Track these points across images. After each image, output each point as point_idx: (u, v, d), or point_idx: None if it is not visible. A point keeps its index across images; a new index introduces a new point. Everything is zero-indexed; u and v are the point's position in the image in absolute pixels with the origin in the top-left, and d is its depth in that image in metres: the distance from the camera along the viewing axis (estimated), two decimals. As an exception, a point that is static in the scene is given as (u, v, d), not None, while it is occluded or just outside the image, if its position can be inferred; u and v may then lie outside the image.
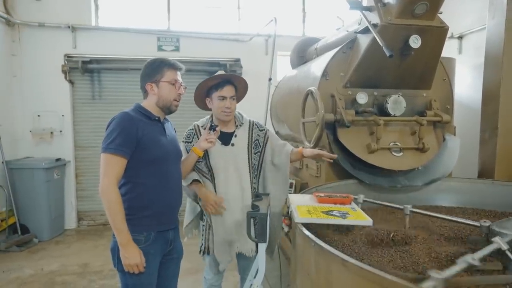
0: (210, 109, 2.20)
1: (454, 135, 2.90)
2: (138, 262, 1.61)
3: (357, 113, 2.34)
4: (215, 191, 2.11)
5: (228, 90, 2.07)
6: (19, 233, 4.39)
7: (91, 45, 4.90)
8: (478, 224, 1.40)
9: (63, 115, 4.95)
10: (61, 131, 4.93)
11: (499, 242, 1.12)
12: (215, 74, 2.14)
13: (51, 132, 4.87)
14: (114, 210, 1.58)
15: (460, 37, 4.79)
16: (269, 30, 4.96)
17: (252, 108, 4.68)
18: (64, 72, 4.86)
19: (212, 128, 2.05)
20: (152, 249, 1.72)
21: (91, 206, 5.24)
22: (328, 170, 2.49)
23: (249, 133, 2.18)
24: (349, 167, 2.36)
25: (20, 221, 4.47)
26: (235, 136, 2.15)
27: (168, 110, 1.83)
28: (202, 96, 2.17)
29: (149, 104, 1.80)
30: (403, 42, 2.17)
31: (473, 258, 1.00)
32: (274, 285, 2.96)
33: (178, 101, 1.84)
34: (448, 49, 4.85)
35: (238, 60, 5.16)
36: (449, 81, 2.58)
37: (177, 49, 5.06)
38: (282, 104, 3.71)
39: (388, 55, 1.96)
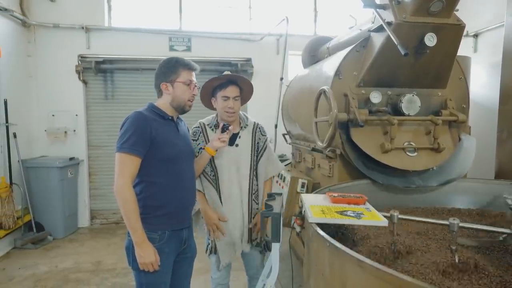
0: (215, 109, 2.23)
1: (469, 135, 2.84)
2: (153, 260, 1.63)
3: (370, 112, 2.31)
4: (219, 191, 2.16)
5: (231, 91, 2.10)
6: (34, 230, 4.48)
7: (104, 46, 4.97)
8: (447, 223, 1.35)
9: (76, 115, 5.03)
10: (74, 131, 5.01)
11: None
12: (221, 75, 2.17)
13: (65, 132, 4.95)
14: (129, 209, 1.59)
15: (476, 35, 4.70)
16: (281, 29, 4.95)
17: (264, 107, 4.70)
18: (78, 72, 4.94)
19: (225, 127, 2.05)
20: (167, 247, 1.73)
21: (104, 204, 5.32)
22: (341, 170, 2.48)
23: (252, 135, 2.22)
24: (362, 167, 2.33)
25: (35, 219, 4.57)
26: (239, 137, 2.17)
27: (182, 110, 1.85)
28: (207, 96, 2.20)
29: (163, 103, 1.82)
30: (418, 41, 2.13)
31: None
32: (286, 285, 2.95)
33: (192, 101, 1.86)
34: (463, 48, 4.75)
35: (249, 60, 5.16)
36: (465, 80, 2.53)
37: (188, 49, 5.09)
38: (293, 104, 3.69)
39: (403, 53, 1.93)
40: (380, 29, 2.23)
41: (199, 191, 2.16)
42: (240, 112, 2.26)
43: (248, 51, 5.14)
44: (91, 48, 4.96)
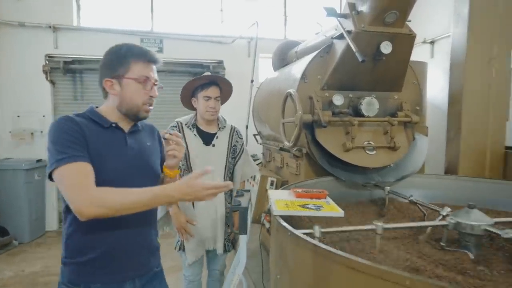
0: (195, 109, 2.30)
1: (427, 135, 3.09)
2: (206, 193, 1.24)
3: (333, 114, 2.48)
4: None
5: (213, 91, 2.19)
6: (-2, 235, 4.34)
7: (73, 46, 4.90)
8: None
9: (44, 116, 4.91)
10: (42, 132, 4.89)
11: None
12: (202, 75, 2.25)
13: (32, 133, 4.83)
14: (127, 202, 1.15)
15: (432, 42, 5.04)
16: (252, 33, 5.09)
17: (235, 109, 4.79)
18: (45, 72, 4.83)
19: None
20: None
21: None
22: (307, 168, 2.63)
23: (229, 137, 2.32)
24: (326, 165, 2.49)
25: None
26: (217, 137, 2.26)
27: (135, 116, 1.37)
28: (188, 96, 2.27)
29: (107, 107, 1.37)
30: (375, 48, 2.32)
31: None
32: (257, 280, 3.07)
33: (149, 106, 1.38)
34: (421, 53, 5.10)
35: (221, 62, 5.26)
36: (419, 84, 2.76)
37: (160, 50, 5.11)
38: (264, 105, 3.83)
39: (360, 60, 2.11)
40: (341, 36, 2.40)
41: None
42: (219, 114, 2.35)
43: (220, 53, 5.24)
44: (59, 48, 4.87)
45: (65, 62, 4.84)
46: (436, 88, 4.81)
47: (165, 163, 1.51)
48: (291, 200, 1.74)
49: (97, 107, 1.40)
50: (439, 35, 4.86)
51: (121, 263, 1.32)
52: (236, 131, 2.40)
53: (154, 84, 1.37)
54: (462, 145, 2.63)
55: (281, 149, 3.12)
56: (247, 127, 4.59)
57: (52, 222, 5.08)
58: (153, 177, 1.44)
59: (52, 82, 4.96)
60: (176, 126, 2.29)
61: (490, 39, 2.60)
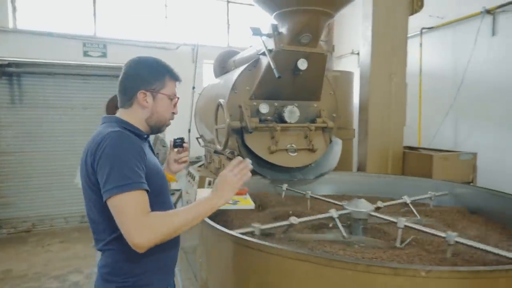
0: None
1: (354, 136, 3.56)
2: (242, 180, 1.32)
3: (260, 121, 2.83)
4: None
5: None
6: None
7: (9, 48, 4.78)
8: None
9: (-22, 120, 4.75)
10: (-24, 137, 4.73)
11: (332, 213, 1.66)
12: None
13: (-36, 138, 4.65)
14: (180, 225, 1.18)
15: (359, 53, 5.65)
16: (196, 40, 5.33)
17: (179, 113, 4.96)
18: (-22, 75, 4.67)
19: (178, 145, 1.65)
20: None
21: (12, 213, 5.07)
22: (239, 168, 2.95)
23: (153, 146, 2.55)
24: (255, 166, 2.81)
25: None
26: None
27: (158, 130, 1.45)
28: (113, 107, 2.34)
29: (136, 118, 1.37)
30: (293, 64, 2.70)
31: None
32: (196, 272, 3.34)
33: (170, 121, 1.48)
34: (349, 64, 5.70)
35: (166, 68, 5.42)
36: (335, 94, 3.20)
37: (104, 55, 5.16)
38: (204, 111, 4.10)
39: (276, 76, 2.47)
40: (265, 53, 2.76)
41: None
42: None
43: (164, 59, 5.35)
44: (-5, 51, 4.73)
45: (1, 65, 4.71)
46: (362, 95, 5.43)
47: (170, 169, 1.67)
48: (215, 196, 2.03)
49: (106, 116, 1.42)
50: (363, 47, 5.48)
51: (175, 260, 1.47)
52: (160, 140, 2.61)
53: (177, 102, 1.48)
54: (369, 147, 3.11)
55: (215, 152, 3.42)
56: (189, 130, 4.83)
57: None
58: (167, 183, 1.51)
59: (-14, 86, 4.81)
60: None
61: (390, 58, 3.11)
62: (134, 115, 1.37)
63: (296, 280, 1.25)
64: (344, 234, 1.76)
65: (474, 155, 3.16)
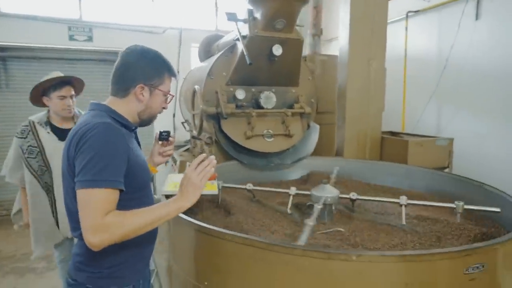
0: (46, 106, 2.37)
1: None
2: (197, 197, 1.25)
3: (237, 106, 2.85)
4: (52, 190, 2.32)
5: (67, 90, 2.31)
6: None
7: (-7, 32, 4.75)
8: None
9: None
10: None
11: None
12: (53, 76, 2.30)
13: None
14: (140, 226, 1.16)
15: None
16: (181, 24, 5.27)
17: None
18: (-37, 59, 4.66)
19: (163, 138, 1.63)
20: None
21: (3, 196, 5.16)
22: (217, 153, 2.99)
23: None
24: (231, 151, 2.88)
25: None
26: None
27: (147, 123, 1.45)
28: (38, 96, 2.32)
29: (129, 110, 1.35)
30: (269, 50, 2.70)
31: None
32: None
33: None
34: (335, 48, 5.64)
35: (152, 52, 5.38)
36: (314, 80, 3.21)
37: (90, 39, 5.11)
38: (188, 95, 4.11)
39: (248, 63, 2.48)
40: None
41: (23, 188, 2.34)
42: (76, 109, 2.44)
43: (151, 43, 5.32)
44: (-23, 35, 4.71)
45: (-15, 49, 4.70)
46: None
47: (153, 160, 1.65)
48: (184, 181, 2.08)
49: (99, 103, 1.35)
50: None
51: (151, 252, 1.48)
52: None
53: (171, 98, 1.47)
54: (347, 132, 3.14)
55: (193, 137, 3.46)
56: (174, 115, 4.84)
57: None
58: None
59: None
60: (27, 125, 2.32)
61: (368, 42, 3.09)
62: (127, 106, 1.34)
63: (243, 264, 1.31)
64: (288, 210, 1.83)
65: (451, 140, 3.19)
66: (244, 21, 2.75)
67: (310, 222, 1.52)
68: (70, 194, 1.26)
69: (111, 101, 1.35)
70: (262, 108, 2.91)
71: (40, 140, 2.31)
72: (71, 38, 5.06)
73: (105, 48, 5.10)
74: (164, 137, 1.60)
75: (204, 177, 1.24)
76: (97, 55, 5.08)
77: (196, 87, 2.75)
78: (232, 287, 1.34)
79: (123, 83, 1.33)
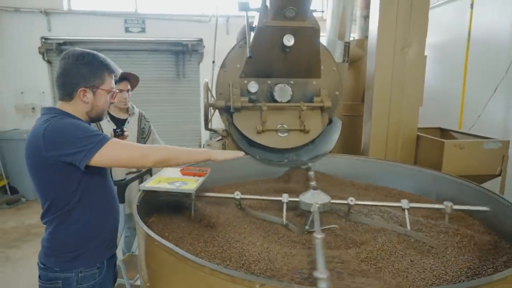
0: None
1: None
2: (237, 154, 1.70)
3: (250, 100, 2.77)
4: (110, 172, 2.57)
5: (124, 85, 2.58)
6: (8, 193, 5.15)
7: (64, 28, 5.35)
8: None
9: (43, 92, 5.52)
10: (42, 106, 5.52)
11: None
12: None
13: (33, 108, 5.48)
14: (175, 154, 1.51)
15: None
16: (230, 11, 5.26)
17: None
18: (41, 53, 5.37)
19: (118, 134, 1.99)
20: (108, 279, 1.58)
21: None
22: (232, 146, 2.97)
23: (138, 121, 2.71)
24: (243, 145, 2.82)
25: (10, 183, 5.21)
26: (128, 122, 2.67)
27: (98, 120, 1.62)
28: None
29: (77, 111, 1.47)
30: (281, 40, 2.54)
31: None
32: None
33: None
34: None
35: (200, 40, 5.52)
36: (338, 71, 2.94)
37: (143, 30, 5.44)
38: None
39: (248, 56, 2.36)
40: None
41: None
42: (129, 103, 2.72)
43: (199, 32, 5.49)
44: (53, 31, 5.35)
45: (58, 44, 5.33)
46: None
47: None
48: (173, 177, 2.08)
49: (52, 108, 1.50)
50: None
51: (115, 238, 1.66)
52: (144, 116, 2.79)
53: (116, 93, 1.61)
54: (372, 129, 2.83)
55: (209, 129, 3.46)
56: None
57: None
58: None
59: (49, 62, 5.51)
60: None
61: (403, 26, 2.71)
62: (75, 108, 1.46)
63: (167, 274, 1.29)
64: (284, 219, 1.72)
65: (505, 143, 2.66)
66: (257, 10, 2.62)
67: (318, 235, 1.33)
68: (38, 182, 1.47)
69: (60, 105, 1.47)
70: (276, 101, 2.78)
71: (101, 127, 2.63)
72: (126, 30, 5.45)
73: (157, 39, 5.38)
74: (119, 133, 1.95)
75: (231, 155, 1.69)
76: (150, 46, 5.39)
77: (206, 80, 2.74)
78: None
79: (66, 89, 1.43)
